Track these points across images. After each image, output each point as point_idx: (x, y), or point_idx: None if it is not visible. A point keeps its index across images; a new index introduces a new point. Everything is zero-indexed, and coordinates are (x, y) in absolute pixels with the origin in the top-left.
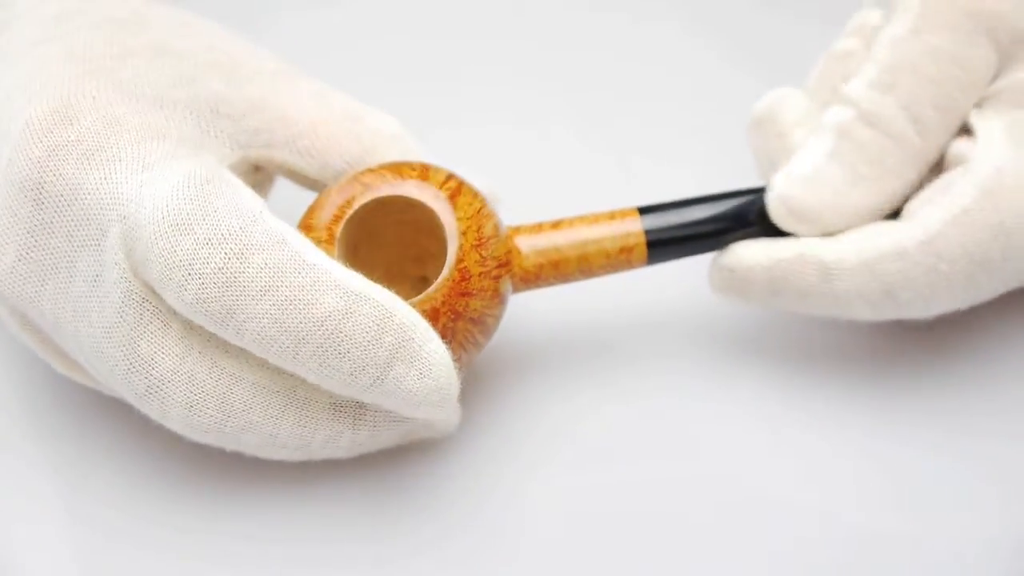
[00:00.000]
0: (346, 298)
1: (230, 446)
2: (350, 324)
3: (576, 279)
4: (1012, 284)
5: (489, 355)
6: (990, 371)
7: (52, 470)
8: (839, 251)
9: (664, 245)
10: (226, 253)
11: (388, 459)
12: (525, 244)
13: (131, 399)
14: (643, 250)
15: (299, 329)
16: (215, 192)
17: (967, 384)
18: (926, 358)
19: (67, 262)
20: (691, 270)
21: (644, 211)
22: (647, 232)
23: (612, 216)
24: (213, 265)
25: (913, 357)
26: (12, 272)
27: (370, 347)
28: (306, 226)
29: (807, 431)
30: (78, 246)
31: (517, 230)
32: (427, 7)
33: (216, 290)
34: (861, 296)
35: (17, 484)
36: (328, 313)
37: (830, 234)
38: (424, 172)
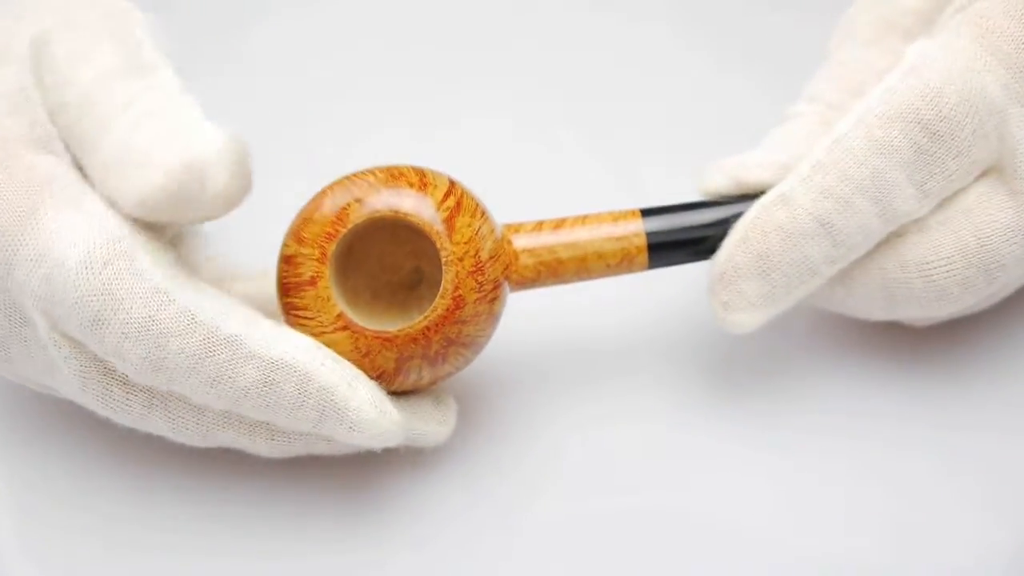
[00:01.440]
0: (264, 368)
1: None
2: (273, 392)
3: (575, 281)
4: (974, 154)
5: (482, 364)
6: (984, 374)
7: (5, 467)
8: (790, 177)
9: (666, 249)
10: (145, 344)
11: (376, 467)
12: (524, 246)
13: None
14: (644, 253)
15: (230, 397)
16: (116, 276)
17: (963, 388)
18: (922, 367)
19: (16, 333)
20: (693, 284)
21: (647, 213)
22: (649, 235)
23: (615, 218)
24: (137, 355)
25: (909, 368)
26: None
27: (296, 410)
28: (298, 239)
29: (803, 441)
30: (18, 323)
31: (517, 229)
32: (427, 7)
33: (149, 373)
34: (826, 195)
35: None
36: (250, 384)
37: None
38: (422, 182)
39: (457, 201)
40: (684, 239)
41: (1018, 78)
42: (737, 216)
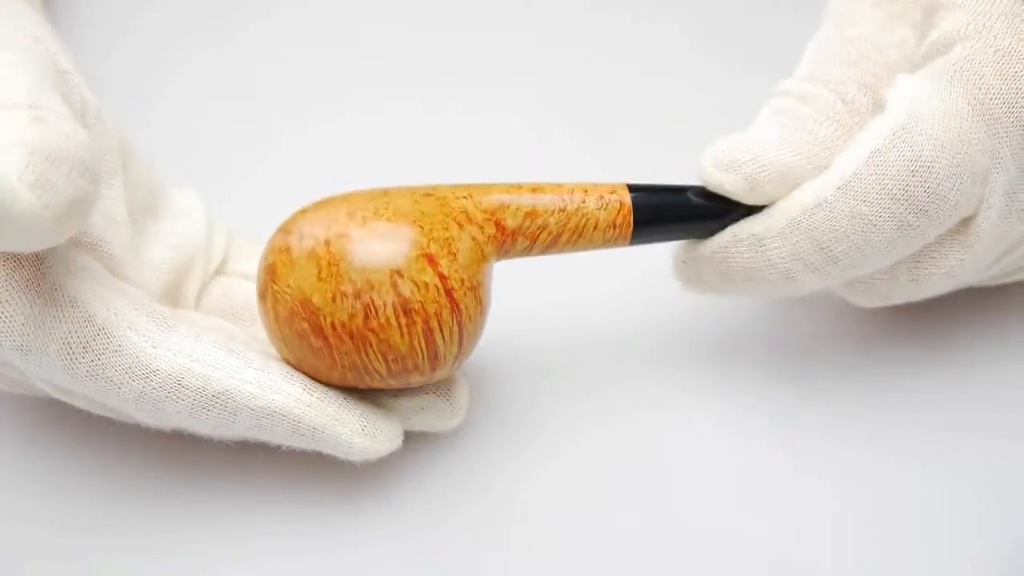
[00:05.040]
0: (255, 417)
1: None
2: (268, 434)
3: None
4: (953, 221)
5: (482, 358)
6: (982, 374)
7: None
8: (766, 219)
9: (649, 224)
10: (146, 411)
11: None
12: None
13: None
14: (628, 228)
15: (233, 436)
16: (99, 360)
17: (955, 389)
18: (919, 368)
19: None
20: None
21: (633, 188)
22: (636, 208)
23: (604, 189)
24: (146, 417)
25: (905, 367)
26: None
27: (294, 443)
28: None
29: (795, 441)
30: None
31: (494, 196)
32: (427, 3)
33: (162, 425)
34: (797, 258)
35: None
36: (246, 429)
37: (757, 210)
38: (433, 364)
39: (460, 364)
40: (666, 216)
41: (1004, 143)
42: (718, 198)
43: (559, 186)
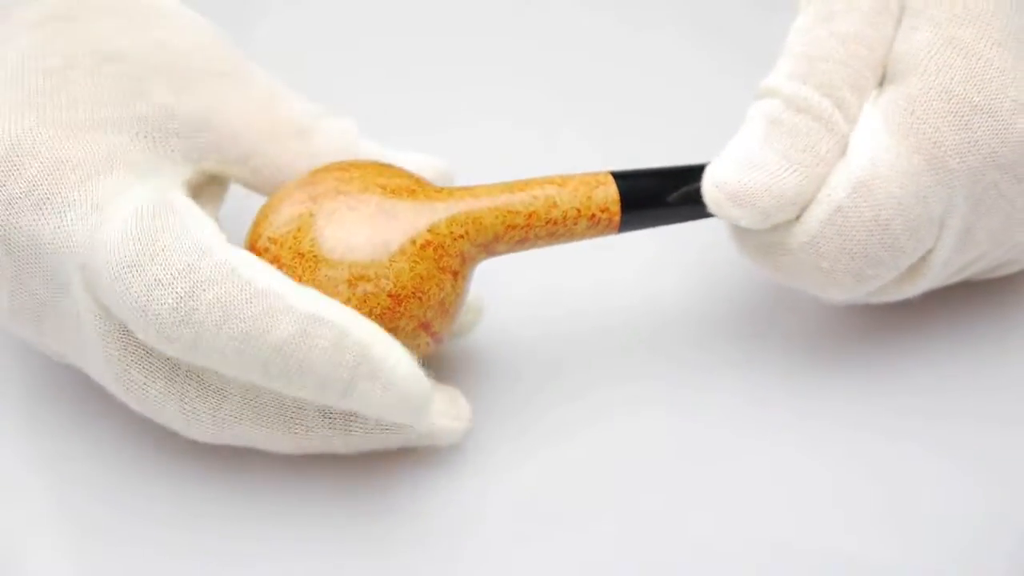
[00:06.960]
0: (300, 321)
1: (234, 443)
2: (307, 347)
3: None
4: (912, 262)
5: (487, 360)
6: (986, 367)
7: (44, 464)
8: (741, 239)
9: (634, 221)
10: (177, 293)
11: (381, 466)
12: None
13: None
14: (615, 231)
15: (259, 356)
16: (162, 227)
17: (959, 383)
18: (921, 358)
19: (52, 303)
20: (694, 280)
21: (618, 176)
22: (622, 196)
23: (597, 206)
24: (167, 305)
25: (907, 358)
26: (9, 311)
27: (330, 367)
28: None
29: (797, 435)
30: (55, 290)
31: (471, 194)
32: (429, 5)
33: (174, 328)
34: (768, 274)
35: (7, 479)
36: (284, 339)
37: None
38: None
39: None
40: (653, 204)
41: (958, 191)
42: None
43: (553, 204)
